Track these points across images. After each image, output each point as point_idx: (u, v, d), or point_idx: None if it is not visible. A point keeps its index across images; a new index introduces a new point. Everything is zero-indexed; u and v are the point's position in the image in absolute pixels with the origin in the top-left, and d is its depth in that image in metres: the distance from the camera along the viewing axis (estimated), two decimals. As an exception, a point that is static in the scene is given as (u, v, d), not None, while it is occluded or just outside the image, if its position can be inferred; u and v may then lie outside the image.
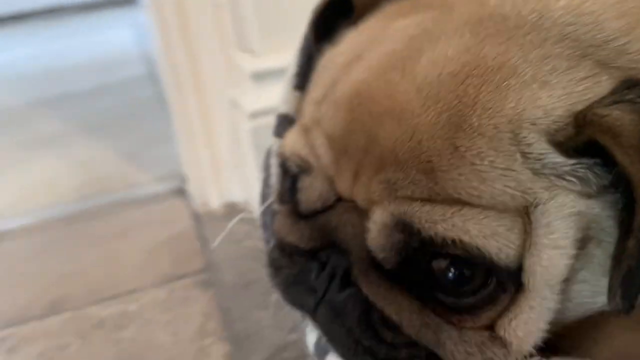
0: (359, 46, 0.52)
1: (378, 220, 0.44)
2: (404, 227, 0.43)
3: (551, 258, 0.41)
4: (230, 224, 0.62)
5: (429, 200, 0.43)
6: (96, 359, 0.90)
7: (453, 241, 0.42)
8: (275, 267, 0.53)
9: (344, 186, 0.48)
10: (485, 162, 0.41)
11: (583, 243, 0.42)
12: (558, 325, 0.47)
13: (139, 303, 1.02)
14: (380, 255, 0.45)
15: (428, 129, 0.43)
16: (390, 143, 0.44)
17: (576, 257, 0.42)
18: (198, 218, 1.32)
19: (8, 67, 3.32)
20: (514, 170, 0.41)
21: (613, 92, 0.41)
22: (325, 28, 0.59)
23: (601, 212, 0.42)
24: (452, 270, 0.44)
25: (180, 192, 1.47)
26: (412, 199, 0.43)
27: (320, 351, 0.57)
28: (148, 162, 1.73)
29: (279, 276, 0.53)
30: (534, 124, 0.41)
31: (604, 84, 0.42)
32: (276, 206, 0.59)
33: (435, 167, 0.42)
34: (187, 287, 1.04)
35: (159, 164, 1.68)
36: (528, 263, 0.42)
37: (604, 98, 0.41)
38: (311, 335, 0.59)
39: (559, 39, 0.44)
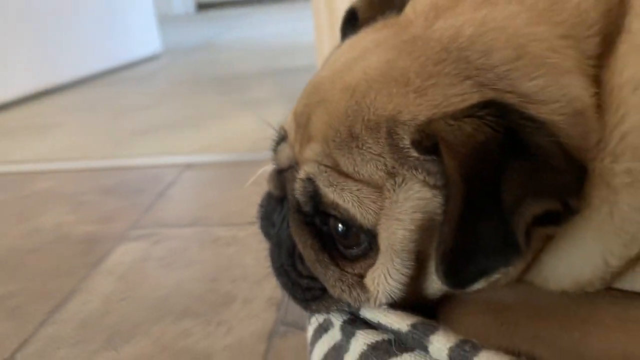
0: (340, 50, 0.66)
1: (300, 177, 0.60)
2: (311, 183, 0.58)
3: (392, 227, 0.52)
4: (260, 170, 0.82)
5: (330, 167, 0.57)
6: (202, 262, 1.19)
7: (333, 203, 0.56)
8: (260, 205, 0.73)
9: (296, 152, 0.64)
10: (365, 147, 0.53)
11: (432, 226, 0.52)
12: (424, 292, 0.57)
13: (247, 232, 1.29)
14: (299, 200, 0.61)
15: (339, 117, 0.56)
16: (317, 123, 0.59)
17: (422, 235, 0.52)
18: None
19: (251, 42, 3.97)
20: (383, 157, 0.52)
21: (470, 108, 0.49)
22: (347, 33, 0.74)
23: (443, 201, 0.51)
24: (341, 226, 0.58)
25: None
26: (320, 164, 0.57)
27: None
28: None
29: (259, 212, 0.72)
30: (403, 124, 0.51)
31: (471, 102, 0.51)
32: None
33: (337, 145, 0.56)
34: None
35: None
36: (380, 229, 0.54)
37: (459, 111, 0.50)
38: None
39: (454, 60, 0.53)
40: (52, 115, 2.80)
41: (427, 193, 0.51)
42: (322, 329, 0.67)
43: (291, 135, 0.65)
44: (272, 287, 1.02)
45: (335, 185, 0.55)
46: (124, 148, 2.08)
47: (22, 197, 1.72)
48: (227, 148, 1.94)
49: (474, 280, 0.51)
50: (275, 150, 0.70)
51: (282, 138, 0.69)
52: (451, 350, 0.47)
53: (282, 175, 0.67)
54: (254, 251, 1.20)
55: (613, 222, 0.47)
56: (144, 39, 4.30)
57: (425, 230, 0.52)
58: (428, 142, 0.49)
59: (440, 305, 0.59)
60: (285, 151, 0.66)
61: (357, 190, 0.54)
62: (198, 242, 1.28)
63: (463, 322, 0.55)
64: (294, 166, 0.63)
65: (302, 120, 0.62)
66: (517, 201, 0.46)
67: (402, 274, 0.54)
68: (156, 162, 1.88)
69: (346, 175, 0.54)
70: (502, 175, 0.47)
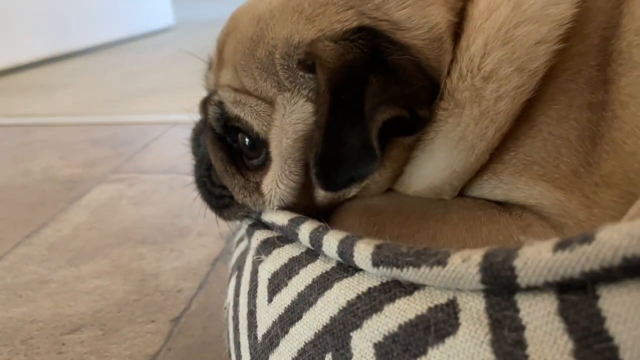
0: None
1: (213, 100, 0.69)
2: (220, 105, 0.66)
3: (279, 136, 0.60)
4: None
5: (236, 89, 0.65)
6: (168, 202, 1.28)
7: (237, 117, 0.64)
8: (192, 129, 0.81)
9: (215, 77, 0.72)
10: (263, 67, 0.59)
11: (312, 136, 0.60)
12: (315, 200, 0.65)
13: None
14: (211, 122, 0.69)
15: (243, 42, 0.63)
16: (228, 50, 0.67)
17: (304, 145, 0.59)
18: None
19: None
20: (277, 76, 0.59)
21: (345, 32, 0.56)
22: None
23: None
24: (247, 139, 0.66)
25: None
26: (229, 87, 0.65)
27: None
28: None
29: (191, 134, 0.81)
30: (294, 46, 0.58)
31: (349, 28, 0.58)
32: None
33: (242, 67, 0.63)
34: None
35: None
36: (271, 139, 0.62)
37: (335, 34, 0.57)
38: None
39: None
40: (61, 77, 2.92)
41: (309, 107, 0.58)
42: (239, 240, 0.76)
43: (214, 62, 0.73)
44: (224, 223, 1.10)
45: (238, 102, 0.63)
46: (121, 106, 2.19)
47: (20, 144, 1.84)
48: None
49: (345, 184, 0.58)
50: (205, 77, 0.79)
51: (209, 66, 0.77)
52: (311, 233, 0.55)
53: (206, 99, 0.75)
54: None
55: (456, 132, 0.55)
56: (157, 11, 4.40)
57: (308, 140, 0.59)
58: (309, 61, 0.56)
59: (333, 211, 0.67)
60: (210, 77, 0.74)
61: (256, 105, 0.61)
62: (168, 186, 1.37)
63: (342, 224, 0.62)
64: (214, 91, 0.72)
65: (220, 47, 0.70)
66: (372, 109, 0.53)
67: (290, 180, 0.61)
68: (148, 119, 1.97)
69: (248, 93, 0.62)
70: (364, 89, 0.54)
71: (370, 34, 0.56)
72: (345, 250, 0.50)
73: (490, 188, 0.58)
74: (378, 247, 0.46)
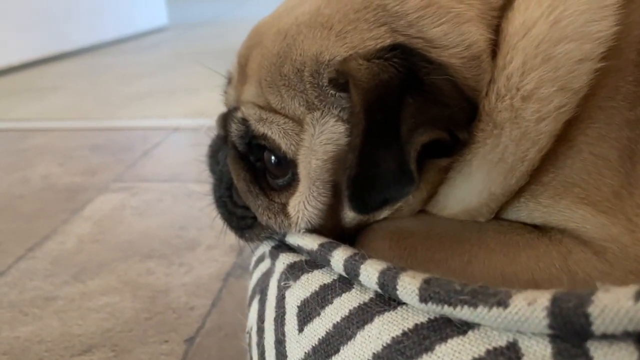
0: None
1: (236, 117, 0.66)
2: (245, 122, 0.64)
3: (308, 157, 0.58)
4: None
5: (262, 107, 0.62)
6: (173, 213, 1.25)
7: (264, 135, 0.61)
8: (209, 145, 0.79)
9: (237, 94, 0.70)
10: (291, 85, 0.57)
11: (343, 157, 0.57)
12: (343, 221, 0.62)
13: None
14: (234, 140, 0.67)
15: (269, 58, 0.61)
16: (252, 65, 0.64)
17: (334, 166, 0.56)
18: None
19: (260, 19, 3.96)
20: (305, 94, 0.57)
21: (379, 50, 0.54)
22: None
23: None
24: (273, 158, 0.64)
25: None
26: (253, 104, 0.63)
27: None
28: None
29: (207, 151, 0.78)
30: (324, 64, 0.55)
31: (382, 46, 0.56)
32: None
33: (269, 84, 0.61)
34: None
35: None
36: (300, 159, 0.59)
37: (369, 53, 0.55)
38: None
39: (373, 8, 0.57)
40: (54, 79, 2.87)
41: (340, 127, 0.56)
42: (259, 260, 0.74)
43: (235, 77, 0.71)
44: (234, 235, 1.08)
45: (265, 120, 0.60)
46: (117, 110, 2.15)
47: (16, 151, 1.80)
48: (212, 113, 1.98)
49: (378, 207, 0.55)
50: (224, 93, 0.76)
51: (229, 81, 0.74)
52: (345, 261, 0.53)
53: (227, 115, 0.72)
54: None
55: (495, 153, 0.53)
56: (151, 11, 4.35)
57: (338, 161, 0.57)
58: (342, 79, 0.53)
59: (359, 232, 0.65)
60: (231, 93, 0.72)
61: (284, 123, 0.59)
62: (172, 195, 1.34)
63: (370, 246, 0.60)
64: (236, 107, 0.69)
65: (242, 62, 0.67)
66: (409, 131, 0.51)
67: (319, 201, 0.59)
68: (146, 124, 1.94)
69: (275, 112, 0.59)
70: (400, 109, 0.52)
71: (405, 52, 0.53)
72: (387, 282, 0.48)
73: (528, 211, 0.56)
74: (426, 281, 0.44)
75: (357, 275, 0.51)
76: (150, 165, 1.56)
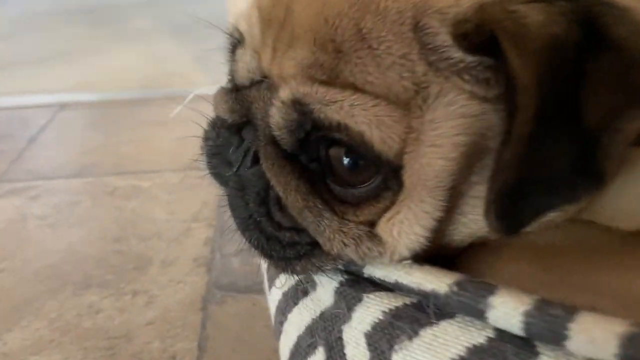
0: None
1: (280, 98, 0.44)
2: (300, 107, 0.42)
3: (428, 156, 0.39)
4: (186, 101, 0.64)
5: (327, 82, 0.42)
6: (98, 219, 0.98)
7: (339, 125, 0.41)
8: (204, 138, 0.55)
9: (265, 61, 0.47)
10: (383, 47, 0.39)
11: (476, 152, 0.40)
12: (448, 239, 0.45)
13: (152, 182, 1.09)
14: (277, 132, 0.45)
15: (337, 7, 0.41)
16: (302, 18, 0.43)
17: (460, 164, 0.39)
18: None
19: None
20: (410, 60, 0.39)
21: None
22: None
23: (498, 121, 0.39)
24: (347, 158, 0.43)
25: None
26: (313, 79, 0.42)
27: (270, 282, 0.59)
28: (210, 66, 1.79)
29: (205, 147, 0.54)
30: (438, 12, 0.38)
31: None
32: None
33: (338, 47, 0.40)
34: (198, 177, 1.08)
35: (219, 70, 1.74)
36: (408, 159, 0.40)
37: (523, -4, 0.37)
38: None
39: None
40: None
41: (474, 108, 0.39)
42: (300, 292, 0.53)
43: (255, 37, 0.48)
44: (195, 243, 0.86)
45: (339, 102, 0.40)
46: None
47: None
48: (110, 86, 1.67)
49: (529, 221, 0.40)
50: (231, 60, 0.53)
51: (237, 42, 0.51)
52: (528, 316, 0.35)
53: (241, 94, 0.50)
54: (164, 203, 1.02)
55: None
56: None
57: (469, 158, 0.40)
58: (479, 36, 0.37)
59: (462, 255, 0.48)
60: (246, 60, 0.49)
61: (374, 106, 0.40)
62: (89, 195, 1.07)
63: (497, 274, 0.44)
64: (262, 81, 0.47)
65: (277, 13, 0.45)
66: (610, 114, 0.35)
67: (433, 218, 0.42)
68: (23, 102, 1.59)
69: (354, 89, 0.39)
70: (580, 80, 0.36)
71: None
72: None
73: None
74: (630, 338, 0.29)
75: (562, 338, 0.33)
76: (43, 156, 1.24)
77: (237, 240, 1.02)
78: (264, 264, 0.59)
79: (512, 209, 0.38)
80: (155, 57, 1.97)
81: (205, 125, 0.57)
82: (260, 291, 0.78)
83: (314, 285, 0.50)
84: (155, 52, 2.02)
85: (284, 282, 0.55)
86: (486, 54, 0.37)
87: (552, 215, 0.44)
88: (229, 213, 0.55)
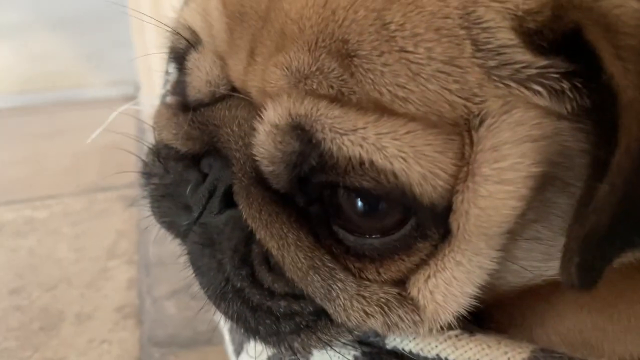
0: None
1: (269, 120, 0.32)
2: (301, 134, 0.31)
3: (493, 196, 0.30)
4: (113, 115, 0.51)
5: (339, 100, 0.31)
6: (-16, 266, 0.79)
7: (362, 163, 0.30)
8: (145, 173, 0.41)
9: (236, 69, 0.35)
10: (421, 50, 0.30)
11: (541, 184, 0.30)
12: (494, 293, 0.36)
13: (50, 211, 0.92)
14: (267, 168, 0.33)
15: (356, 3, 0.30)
16: (296, 10, 0.31)
17: (529, 202, 0.30)
18: (142, 130, 1.20)
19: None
20: (459, 67, 0.30)
21: None
22: None
23: (574, 143, 0.31)
24: (362, 200, 0.32)
25: (131, 99, 1.35)
26: (318, 95, 0.31)
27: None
28: (105, 64, 1.65)
29: (148, 184, 0.41)
30: (496, 1, 0.28)
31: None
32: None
33: (353, 50, 0.31)
34: (108, 200, 0.93)
35: (116, 68, 1.58)
36: (460, 201, 0.30)
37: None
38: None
39: None
40: None
41: (547, 128, 0.31)
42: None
43: (217, 37, 0.37)
44: (116, 287, 0.71)
45: (359, 132, 0.30)
46: None
47: None
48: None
49: (607, 266, 0.32)
50: (178, 67, 0.40)
51: (188, 45, 0.38)
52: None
53: (200, 114, 0.37)
54: (69, 237, 0.85)
55: None
56: None
57: (534, 193, 0.31)
58: (553, 33, 0.29)
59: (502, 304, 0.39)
60: (204, 69, 0.37)
61: (408, 132, 0.30)
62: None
63: (551, 327, 0.37)
64: (231, 96, 0.35)
65: (254, 5, 0.34)
66: None
67: (486, 272, 0.33)
68: None
69: (382, 110, 0.30)
70: None
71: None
72: None
73: None
74: None
75: None
76: None
77: (169, 277, 0.85)
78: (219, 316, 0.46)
79: (599, 257, 0.30)
80: (33, 55, 1.75)
81: (144, 154, 0.43)
82: (211, 341, 0.65)
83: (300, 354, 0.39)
84: (33, 49, 1.80)
85: (261, 351, 0.43)
86: (560, 55, 0.28)
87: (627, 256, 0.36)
88: (164, 240, 0.43)
